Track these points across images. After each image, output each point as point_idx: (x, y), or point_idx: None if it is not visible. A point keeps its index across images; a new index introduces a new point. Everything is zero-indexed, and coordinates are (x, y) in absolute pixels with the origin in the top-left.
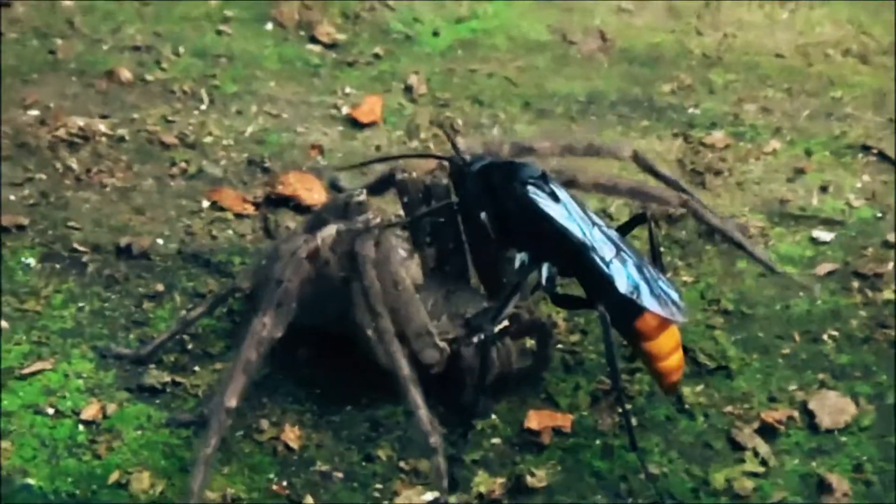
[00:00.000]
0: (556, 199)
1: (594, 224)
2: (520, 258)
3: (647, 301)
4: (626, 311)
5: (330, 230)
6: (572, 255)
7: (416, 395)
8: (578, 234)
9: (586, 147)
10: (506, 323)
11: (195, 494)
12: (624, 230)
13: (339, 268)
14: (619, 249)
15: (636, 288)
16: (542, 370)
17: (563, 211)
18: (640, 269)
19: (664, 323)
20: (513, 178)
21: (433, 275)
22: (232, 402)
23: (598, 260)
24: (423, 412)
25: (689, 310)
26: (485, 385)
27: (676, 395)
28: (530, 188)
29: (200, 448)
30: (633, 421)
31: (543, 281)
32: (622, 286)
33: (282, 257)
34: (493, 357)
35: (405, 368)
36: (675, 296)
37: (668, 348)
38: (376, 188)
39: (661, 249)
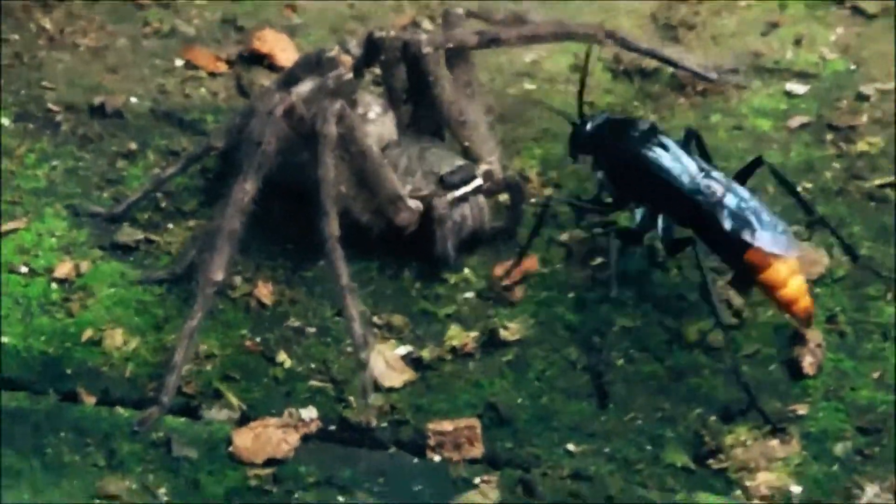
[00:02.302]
0: (664, 147)
1: (702, 170)
2: (638, 212)
3: (755, 237)
4: (736, 246)
5: (304, 86)
6: (681, 202)
7: (353, 307)
8: (686, 179)
9: (555, 31)
10: (479, 181)
11: (178, 367)
12: (742, 176)
13: (310, 125)
14: (727, 190)
15: (743, 225)
16: (515, 227)
17: (670, 159)
18: (746, 207)
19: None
20: (626, 134)
21: (408, 132)
22: (219, 276)
23: (703, 202)
24: (357, 325)
25: (797, 243)
26: (458, 241)
27: (810, 325)
28: (639, 141)
29: (186, 320)
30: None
31: (661, 232)
32: (728, 224)
33: (258, 116)
34: (466, 214)
35: (344, 277)
36: (783, 229)
37: (785, 274)
38: (366, 55)
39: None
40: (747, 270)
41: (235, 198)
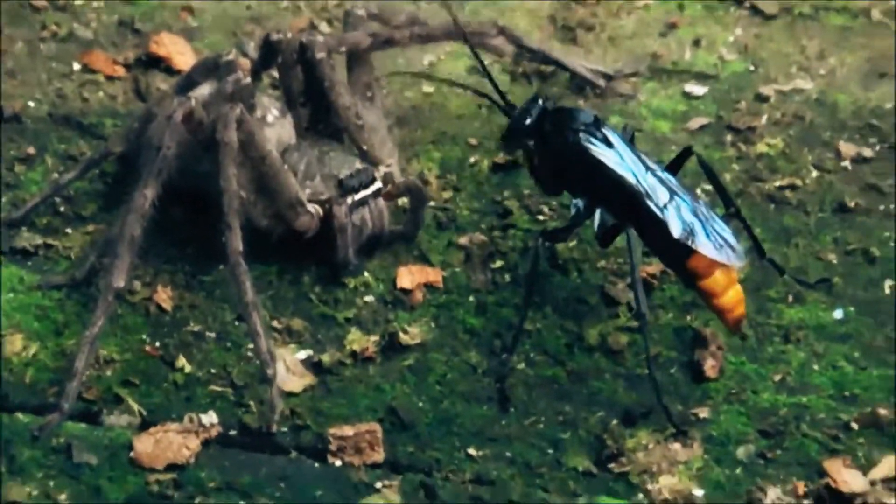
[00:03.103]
0: (608, 144)
1: (648, 168)
2: (575, 204)
3: (702, 245)
4: (679, 251)
5: (202, 90)
6: (627, 201)
7: (257, 322)
8: (632, 179)
9: (447, 30)
10: (379, 184)
11: (80, 373)
12: (673, 168)
13: (209, 129)
14: (673, 193)
15: (690, 232)
16: (416, 231)
17: (617, 157)
18: (694, 213)
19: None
20: (566, 125)
21: (306, 135)
22: (120, 283)
23: (652, 205)
24: (262, 341)
25: (745, 252)
26: (358, 245)
27: (740, 332)
28: (583, 135)
29: (88, 327)
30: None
31: (596, 227)
32: (676, 231)
33: (157, 120)
34: (366, 217)
35: (249, 293)
36: (730, 238)
37: (724, 283)
38: (264, 58)
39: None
40: (687, 275)
41: (136, 203)
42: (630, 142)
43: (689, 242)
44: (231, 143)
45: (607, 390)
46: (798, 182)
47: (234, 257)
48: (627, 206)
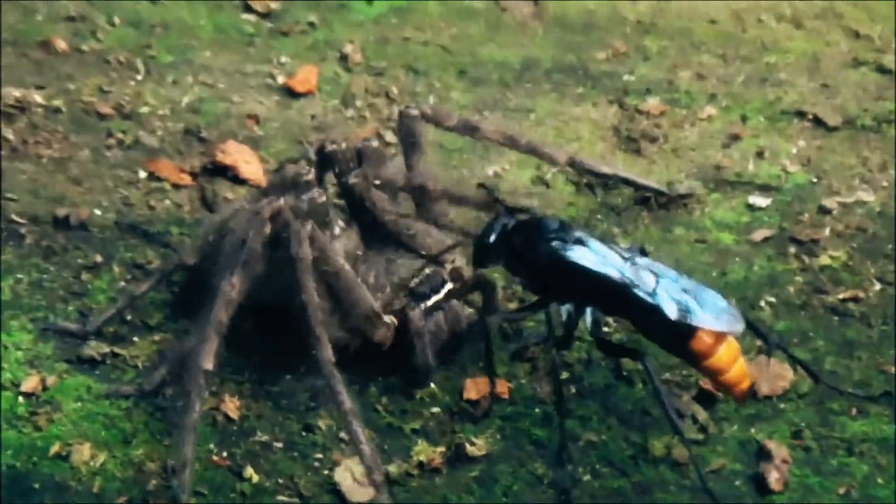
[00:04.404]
0: (582, 244)
1: (625, 258)
2: (564, 310)
3: (701, 320)
4: (679, 334)
5: (288, 198)
6: (615, 296)
7: (359, 430)
8: (616, 274)
9: (526, 144)
10: (449, 285)
11: (188, 460)
12: None
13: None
14: (657, 276)
15: (686, 310)
16: (492, 318)
17: (594, 255)
18: (683, 290)
19: (719, 336)
20: (535, 237)
21: (371, 242)
22: (208, 364)
23: (642, 294)
24: (366, 447)
25: (743, 315)
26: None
27: (748, 400)
28: (555, 242)
29: (184, 415)
30: (572, 389)
31: (589, 326)
32: (672, 312)
33: (239, 218)
34: (441, 321)
35: (346, 402)
36: (724, 305)
37: (728, 359)
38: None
39: (599, 217)
40: (693, 357)
41: (223, 290)
42: (641, 252)
43: (689, 320)
44: (306, 259)
45: (672, 502)
46: (861, 294)
47: (327, 368)
48: (616, 301)
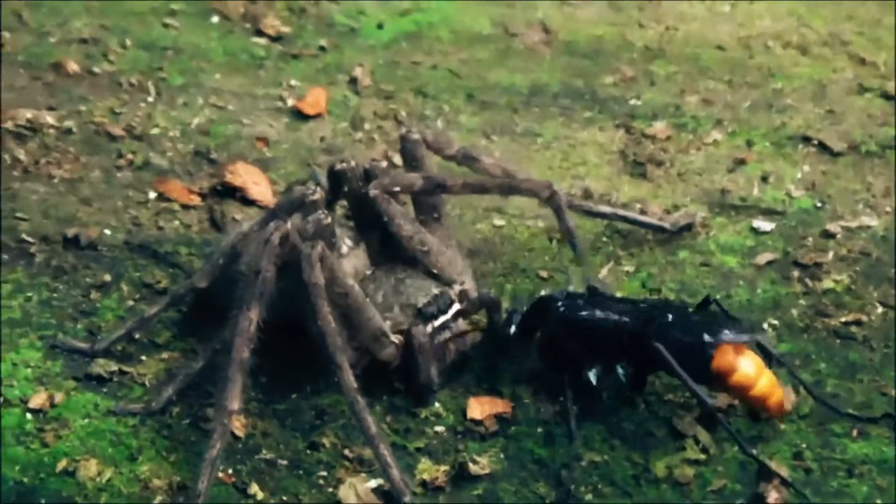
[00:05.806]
0: (594, 306)
1: (632, 303)
2: (593, 374)
3: (716, 335)
4: (700, 358)
5: (296, 219)
6: (639, 343)
7: (385, 453)
8: (634, 322)
9: (501, 185)
10: (457, 306)
11: (203, 495)
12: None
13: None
14: (661, 309)
15: (699, 331)
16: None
17: (608, 313)
18: (689, 315)
19: (738, 350)
20: (548, 315)
21: (379, 261)
22: (235, 405)
23: (653, 333)
24: (394, 471)
25: (752, 323)
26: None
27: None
28: (567, 313)
29: (207, 451)
30: (576, 408)
31: (624, 380)
32: (687, 337)
33: (253, 245)
34: (448, 340)
35: (372, 427)
36: (727, 318)
37: (753, 373)
38: (332, 188)
39: (605, 239)
40: (717, 378)
41: (241, 327)
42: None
43: (704, 338)
44: (319, 283)
45: None
46: (863, 318)
47: (350, 395)
48: (641, 346)
